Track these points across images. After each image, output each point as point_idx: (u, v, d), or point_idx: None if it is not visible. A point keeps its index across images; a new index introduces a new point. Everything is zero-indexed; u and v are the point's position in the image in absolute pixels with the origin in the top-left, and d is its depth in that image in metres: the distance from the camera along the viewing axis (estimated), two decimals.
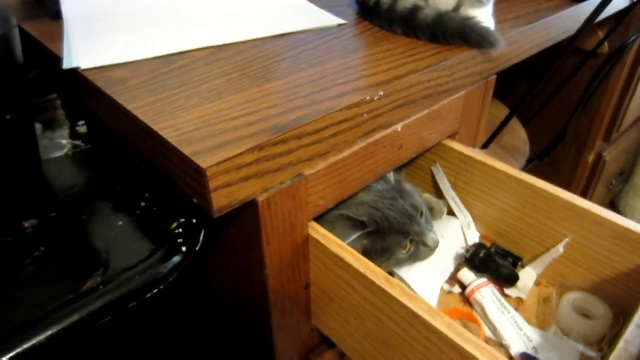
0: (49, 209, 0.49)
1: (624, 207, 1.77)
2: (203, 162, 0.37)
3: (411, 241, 0.52)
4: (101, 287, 0.41)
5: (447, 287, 0.58)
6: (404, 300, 0.41)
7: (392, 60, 0.54)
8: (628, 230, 0.49)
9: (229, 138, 0.40)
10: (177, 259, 0.45)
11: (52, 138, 0.61)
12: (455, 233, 0.62)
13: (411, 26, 0.59)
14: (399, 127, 0.52)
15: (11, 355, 0.36)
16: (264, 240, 0.45)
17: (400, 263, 0.53)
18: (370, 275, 0.43)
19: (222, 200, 0.39)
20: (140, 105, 0.45)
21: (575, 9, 0.73)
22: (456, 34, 0.56)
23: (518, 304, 0.57)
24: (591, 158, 1.28)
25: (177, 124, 0.42)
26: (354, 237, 0.48)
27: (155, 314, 0.45)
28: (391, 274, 0.56)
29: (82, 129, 0.63)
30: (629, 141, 1.47)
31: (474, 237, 0.62)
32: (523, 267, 0.59)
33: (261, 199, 0.42)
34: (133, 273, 0.42)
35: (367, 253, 0.49)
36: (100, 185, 0.54)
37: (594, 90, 0.98)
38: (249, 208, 0.43)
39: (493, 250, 0.59)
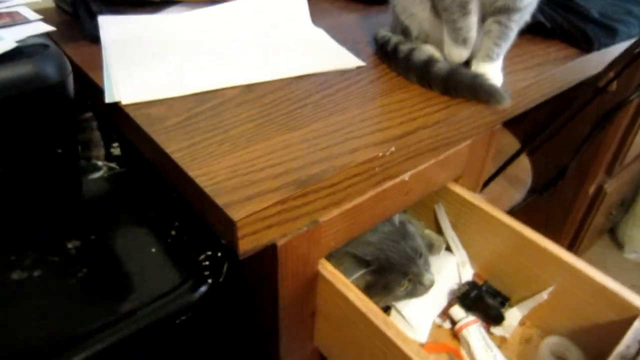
0: (90, 231, 0.55)
1: (623, 236, 1.81)
2: (234, 214, 0.43)
3: (409, 280, 0.58)
4: (138, 311, 0.47)
5: (438, 320, 0.64)
6: (398, 341, 0.46)
7: (404, 112, 0.59)
8: (604, 287, 0.54)
9: (256, 191, 0.45)
10: (203, 288, 0.50)
11: (88, 158, 0.67)
12: (450, 270, 0.67)
13: (425, 77, 0.64)
14: (406, 176, 0.57)
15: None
16: (279, 277, 0.50)
17: (398, 299, 0.59)
18: (370, 315, 0.49)
19: (247, 245, 0.45)
20: (177, 149, 0.51)
21: (583, 59, 0.78)
22: (466, 89, 0.61)
23: (501, 342, 0.62)
24: (591, 189, 1.32)
25: (211, 171, 0.48)
26: (358, 274, 0.54)
27: (179, 338, 0.51)
28: (389, 306, 0.62)
29: (116, 150, 0.69)
30: (631, 173, 1.51)
31: (467, 275, 0.67)
32: (510, 306, 0.64)
33: (280, 243, 0.48)
34: (166, 300, 0.48)
35: (369, 288, 0.55)
36: (135, 210, 0.59)
37: (601, 128, 1.02)
38: (269, 250, 0.49)
39: (484, 288, 0.65)
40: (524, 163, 1.13)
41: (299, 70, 0.67)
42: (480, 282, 0.66)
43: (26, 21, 0.54)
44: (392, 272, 0.56)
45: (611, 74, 1.09)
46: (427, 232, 0.69)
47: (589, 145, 1.03)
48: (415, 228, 0.69)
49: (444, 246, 0.68)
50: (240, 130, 0.54)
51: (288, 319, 0.56)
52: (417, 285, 0.58)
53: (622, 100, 0.89)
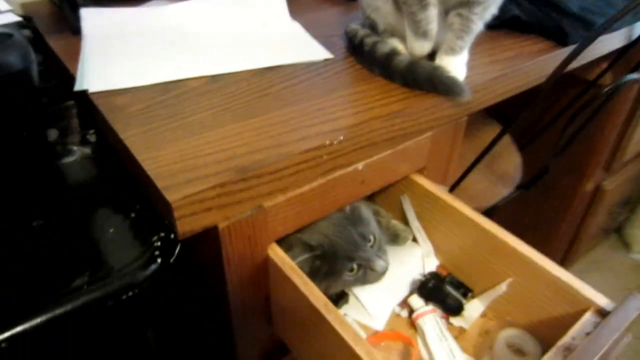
0: (53, 211, 0.58)
1: (628, 236, 1.78)
2: (170, 196, 0.45)
3: (359, 265, 0.59)
4: (85, 286, 0.49)
5: (398, 309, 0.64)
6: (336, 325, 0.48)
7: (362, 102, 0.60)
8: (559, 279, 0.54)
9: (197, 174, 0.47)
10: (152, 267, 0.52)
11: (65, 144, 0.70)
12: (414, 260, 0.68)
13: (387, 70, 0.64)
14: (359, 165, 0.59)
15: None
16: (224, 261, 0.52)
17: (348, 284, 0.60)
18: (311, 299, 0.50)
19: (185, 226, 0.47)
20: (131, 134, 0.53)
21: (557, 54, 0.77)
22: (425, 81, 0.62)
23: (460, 332, 0.63)
24: (589, 187, 1.30)
25: (158, 156, 0.50)
26: (301, 258, 0.56)
27: (132, 315, 0.54)
28: (345, 293, 0.63)
29: (92, 137, 0.72)
30: (635, 170, 1.48)
31: (431, 266, 0.68)
32: (473, 298, 0.64)
33: (222, 225, 0.50)
34: (113, 277, 0.50)
35: (314, 272, 0.56)
36: (100, 193, 0.62)
37: (584, 123, 1.01)
38: (212, 232, 0.50)
39: (448, 279, 0.65)
40: (514, 159, 1.12)
41: (265, 62, 0.68)
42: (444, 274, 0.67)
43: None
44: (336, 257, 0.57)
45: (603, 66, 1.08)
46: (394, 222, 0.70)
47: (573, 140, 1.02)
48: (382, 217, 0.70)
49: (410, 237, 0.69)
50: (196, 118, 0.56)
51: (239, 302, 0.57)
52: (367, 271, 0.59)
53: (595, 92, 0.87)
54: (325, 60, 0.70)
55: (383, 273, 0.60)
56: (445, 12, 0.63)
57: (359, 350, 0.46)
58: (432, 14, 0.62)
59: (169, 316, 0.58)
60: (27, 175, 0.59)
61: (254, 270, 0.56)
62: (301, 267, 0.53)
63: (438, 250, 0.69)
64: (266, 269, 0.57)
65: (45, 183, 0.62)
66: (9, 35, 0.53)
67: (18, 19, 0.56)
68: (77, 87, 0.61)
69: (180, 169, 0.48)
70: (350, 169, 0.58)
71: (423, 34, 0.64)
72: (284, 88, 0.63)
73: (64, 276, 0.51)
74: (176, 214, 0.45)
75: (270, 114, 0.57)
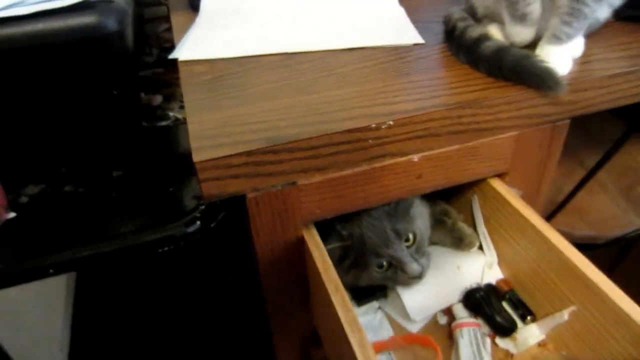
0: (132, 165, 0.64)
1: None
2: (196, 157, 0.46)
3: (389, 264, 0.54)
4: (130, 234, 0.54)
5: (440, 315, 0.58)
6: (338, 308, 0.44)
7: (430, 89, 0.54)
8: (628, 316, 0.43)
9: (230, 140, 0.48)
10: (191, 228, 0.55)
11: (165, 109, 0.77)
12: (474, 269, 0.60)
13: (472, 56, 0.57)
14: (415, 157, 0.53)
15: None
16: (253, 231, 0.52)
17: (377, 280, 0.55)
18: (324, 276, 0.47)
19: (211, 189, 0.48)
20: (193, 99, 0.56)
21: None
22: (511, 70, 0.53)
23: (505, 356, 0.53)
24: None
25: (205, 120, 0.51)
26: (331, 245, 0.53)
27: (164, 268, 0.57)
28: (384, 286, 0.58)
29: None
30: None
31: (491, 277, 0.59)
32: (531, 322, 0.55)
33: (250, 195, 0.49)
34: (155, 230, 0.54)
35: (341, 261, 0.53)
36: (175, 155, 0.67)
37: None
38: (242, 202, 0.50)
39: (508, 295, 0.56)
40: None
41: (350, 42, 0.66)
42: (505, 289, 0.57)
43: None
44: (364, 250, 0.53)
45: None
46: (461, 225, 0.62)
47: None
48: (449, 219, 0.63)
49: (476, 243, 0.61)
50: (256, 90, 0.56)
51: (273, 282, 0.57)
52: (398, 272, 0.54)
53: None
54: (415, 45, 0.65)
55: (416, 277, 0.54)
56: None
57: (351, 338, 0.42)
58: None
59: (205, 280, 0.61)
60: (117, 130, 0.66)
61: (287, 249, 0.55)
62: (330, 255, 0.50)
63: (503, 262, 0.60)
64: (302, 251, 0.55)
65: (133, 140, 0.69)
66: (110, 1, 0.59)
67: None
68: (171, 55, 0.66)
69: (217, 134, 0.49)
70: (402, 159, 0.53)
71: (521, 18, 0.55)
72: (357, 69, 0.60)
73: (116, 221, 0.56)
74: (200, 176, 0.46)
75: (329, 92, 0.55)
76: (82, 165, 0.65)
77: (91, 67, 0.60)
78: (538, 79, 0.52)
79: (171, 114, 0.76)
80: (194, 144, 0.48)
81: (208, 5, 0.81)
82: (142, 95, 0.79)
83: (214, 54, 0.65)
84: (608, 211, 0.86)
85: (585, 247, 0.55)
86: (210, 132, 0.49)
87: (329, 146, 0.49)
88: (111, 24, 0.58)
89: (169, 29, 0.89)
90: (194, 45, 0.68)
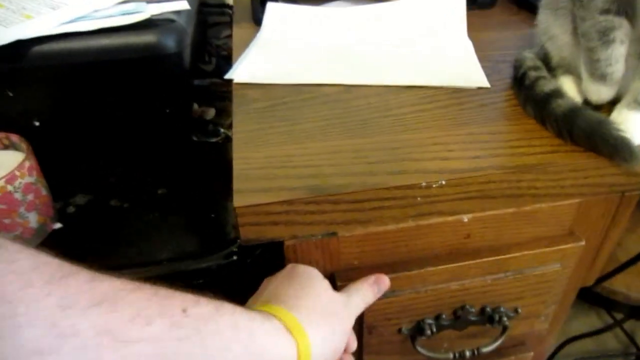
0: (177, 184, 0.65)
1: None
2: (237, 201, 0.45)
3: None
4: (166, 261, 0.54)
5: None
6: None
7: (490, 145, 0.51)
8: None
9: (274, 185, 0.46)
10: (226, 261, 0.54)
11: (217, 124, 0.77)
12: None
13: (541, 113, 0.53)
14: (465, 217, 0.50)
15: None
16: None
17: None
18: None
19: (249, 234, 0.47)
20: (242, 130, 0.55)
21: None
22: (582, 136, 0.49)
23: None
24: None
25: (251, 157, 0.50)
26: None
27: None
28: None
29: None
30: None
31: None
32: None
33: (288, 242, 0.48)
34: (193, 260, 0.54)
35: None
36: (221, 176, 0.67)
37: None
38: (281, 247, 0.49)
39: None
40: None
41: (410, 80, 0.63)
42: None
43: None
44: None
45: None
46: None
47: None
48: None
49: None
50: (307, 126, 0.55)
51: None
52: None
53: None
54: (479, 88, 0.61)
55: None
56: (638, 54, 0.49)
57: None
58: (618, 53, 0.49)
59: None
60: (167, 147, 0.66)
61: None
62: None
63: None
64: None
65: (181, 156, 0.69)
66: (172, 21, 0.59)
67: (187, 7, 0.62)
68: (227, 75, 0.66)
69: (260, 175, 0.48)
70: (451, 218, 0.50)
71: (601, 77, 0.51)
72: (413, 112, 0.57)
73: (154, 244, 0.56)
74: (239, 220, 0.45)
75: (381, 137, 0.53)
76: (129, 179, 0.66)
77: (148, 85, 0.60)
78: (612, 149, 0.48)
79: (222, 130, 0.76)
80: (236, 186, 0.47)
81: (270, 22, 0.80)
82: (196, 106, 0.79)
83: (269, 78, 0.64)
84: None
85: None
86: (254, 173, 0.48)
87: (375, 201, 0.47)
88: (170, 44, 0.58)
89: (230, 36, 0.89)
90: (250, 66, 0.67)
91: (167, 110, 0.62)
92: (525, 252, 0.54)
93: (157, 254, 0.55)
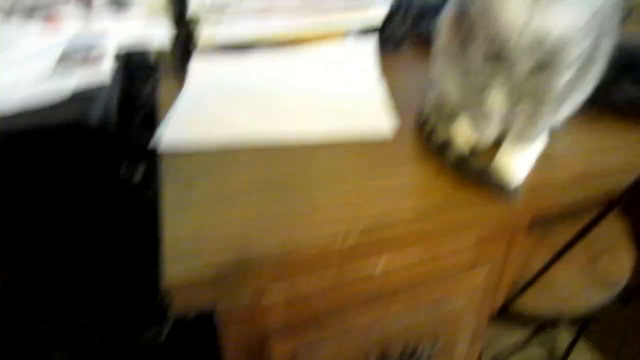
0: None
1: None
2: (166, 277, 0.47)
3: None
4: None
5: None
6: None
7: (401, 193, 0.56)
8: None
9: (199, 262, 0.49)
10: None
11: (145, 186, 0.78)
12: None
13: (439, 159, 0.60)
14: (380, 262, 0.55)
15: None
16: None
17: None
18: None
19: (178, 307, 0.50)
20: (171, 199, 0.57)
21: None
22: (472, 181, 0.56)
23: None
24: None
25: (179, 231, 0.52)
26: None
27: None
28: None
29: None
30: None
31: None
32: None
33: (218, 309, 0.52)
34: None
35: None
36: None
37: None
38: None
39: None
40: (625, 261, 0.91)
41: (323, 133, 0.67)
42: None
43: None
44: None
45: None
46: None
47: None
48: None
49: None
50: (231, 191, 0.57)
51: None
52: None
53: None
54: (389, 133, 0.67)
55: None
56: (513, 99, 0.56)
57: None
58: (497, 97, 0.55)
59: None
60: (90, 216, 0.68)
61: None
62: None
63: None
64: None
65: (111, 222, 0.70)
66: (94, 92, 0.62)
67: (107, 77, 0.64)
68: (151, 144, 0.67)
69: (187, 251, 0.49)
70: (368, 264, 0.55)
71: (484, 118, 0.57)
72: (329, 168, 0.61)
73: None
74: (168, 293, 0.48)
75: (300, 196, 0.57)
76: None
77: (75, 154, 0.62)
78: (496, 191, 0.55)
79: (149, 193, 0.76)
80: (166, 259, 0.49)
81: (195, 80, 0.83)
82: (125, 167, 0.79)
83: (193, 144, 0.67)
84: (574, 284, 0.85)
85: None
86: (182, 248, 0.50)
87: (296, 264, 0.51)
88: (93, 118, 0.60)
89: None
90: (174, 133, 0.69)
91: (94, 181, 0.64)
92: (434, 287, 0.60)
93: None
